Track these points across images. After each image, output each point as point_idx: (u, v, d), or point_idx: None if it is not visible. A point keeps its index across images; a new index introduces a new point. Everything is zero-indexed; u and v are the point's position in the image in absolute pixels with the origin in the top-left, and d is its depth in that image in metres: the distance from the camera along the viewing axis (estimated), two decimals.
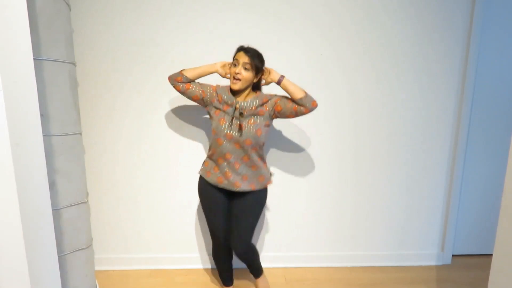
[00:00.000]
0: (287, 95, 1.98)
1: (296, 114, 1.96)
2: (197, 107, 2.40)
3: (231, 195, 2.10)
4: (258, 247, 2.64)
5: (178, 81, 2.01)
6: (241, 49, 1.96)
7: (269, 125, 2.03)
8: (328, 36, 2.37)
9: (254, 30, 2.33)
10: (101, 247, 2.58)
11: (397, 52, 2.41)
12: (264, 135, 1.99)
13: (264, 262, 2.64)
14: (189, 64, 2.30)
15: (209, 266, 2.64)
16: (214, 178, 2.05)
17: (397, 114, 2.49)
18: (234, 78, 1.93)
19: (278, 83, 1.95)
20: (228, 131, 1.94)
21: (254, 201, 2.11)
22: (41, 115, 1.63)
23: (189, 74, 2.01)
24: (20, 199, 1.17)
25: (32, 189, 1.27)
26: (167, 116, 2.42)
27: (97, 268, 2.52)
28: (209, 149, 2.09)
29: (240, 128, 1.93)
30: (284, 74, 1.97)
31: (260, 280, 2.35)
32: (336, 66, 2.41)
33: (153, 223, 2.57)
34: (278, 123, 2.44)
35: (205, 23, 2.32)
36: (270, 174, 2.17)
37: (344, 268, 2.66)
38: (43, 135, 1.62)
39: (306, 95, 1.92)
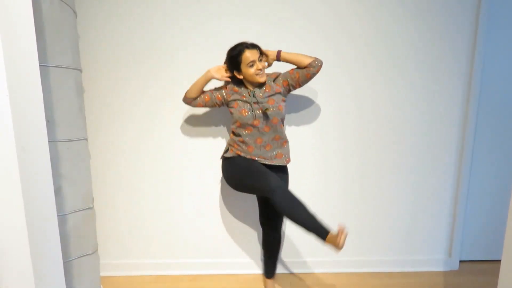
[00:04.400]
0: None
1: (301, 83, 2.07)
2: (202, 112, 2.42)
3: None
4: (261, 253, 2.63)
5: (190, 102, 2.13)
6: (245, 47, 1.98)
7: (285, 100, 2.11)
8: (331, 38, 2.37)
9: (258, 34, 2.33)
10: (106, 253, 2.58)
11: (402, 53, 2.40)
12: (285, 110, 2.08)
13: None
14: (193, 68, 2.33)
15: (215, 272, 2.62)
16: (249, 156, 2.08)
17: (403, 117, 2.48)
18: (257, 74, 1.99)
19: (278, 59, 2.06)
20: (254, 118, 2.00)
21: (286, 175, 2.22)
22: (47, 121, 1.65)
23: (192, 94, 2.10)
24: (25, 204, 1.18)
25: (38, 194, 1.28)
26: (172, 121, 2.43)
27: (102, 274, 2.53)
28: (236, 140, 2.10)
29: (264, 112, 1.99)
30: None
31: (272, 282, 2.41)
32: (340, 68, 2.40)
33: (159, 228, 2.57)
34: None
35: (209, 28, 2.33)
36: None
37: (350, 274, 2.63)
38: (49, 141, 1.64)
39: (315, 58, 2.02)
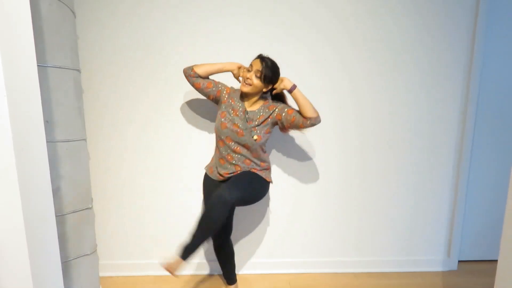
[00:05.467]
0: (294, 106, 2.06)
1: (291, 127, 2.03)
2: (202, 112, 2.42)
3: None
4: (262, 253, 2.63)
5: (191, 76, 2.05)
6: (259, 56, 2.00)
7: (270, 131, 2.07)
8: (332, 40, 2.38)
9: (259, 36, 2.34)
10: (105, 253, 2.58)
11: (402, 55, 2.41)
12: (264, 141, 2.03)
13: (269, 269, 2.64)
14: None
15: (214, 272, 2.63)
16: (215, 174, 2.13)
17: (402, 118, 2.49)
18: (245, 81, 1.98)
19: (290, 91, 1.99)
20: (228, 134, 2.00)
21: (252, 176, 2.05)
22: (46, 122, 1.65)
23: (201, 72, 2.04)
24: (23, 204, 1.18)
25: (36, 194, 1.28)
26: (172, 122, 2.43)
27: (101, 274, 2.52)
28: (215, 147, 2.17)
29: (241, 134, 1.98)
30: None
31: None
32: (340, 70, 2.41)
33: (158, 229, 2.57)
34: None
35: (210, 28, 2.33)
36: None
37: (349, 274, 2.64)
38: (48, 141, 1.64)
39: (318, 116, 1.97)
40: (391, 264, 2.68)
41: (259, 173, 2.08)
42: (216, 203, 1.84)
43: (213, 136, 2.44)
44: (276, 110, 2.02)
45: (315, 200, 2.58)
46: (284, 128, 2.08)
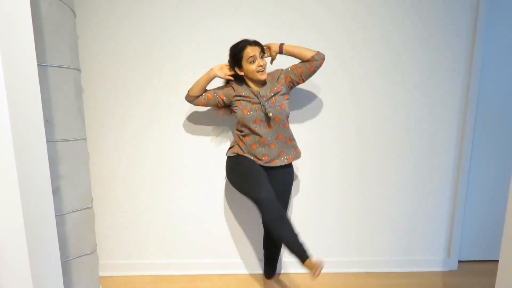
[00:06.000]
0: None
1: (305, 77, 2.06)
2: (202, 112, 2.42)
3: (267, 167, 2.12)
4: (261, 253, 2.63)
5: (192, 100, 2.11)
6: (247, 44, 2.00)
7: (288, 97, 2.10)
8: (332, 40, 2.37)
9: (259, 36, 2.32)
10: (105, 253, 2.58)
11: (402, 55, 2.41)
12: (288, 107, 2.06)
13: None
14: (194, 65, 2.35)
15: (212, 272, 2.63)
16: (252, 155, 2.09)
17: (402, 118, 2.48)
18: (258, 71, 1.98)
19: (281, 51, 2.05)
20: (255, 117, 2.00)
21: (289, 175, 2.19)
22: (46, 121, 1.65)
23: (195, 92, 2.08)
24: (23, 204, 1.18)
25: (36, 194, 1.28)
26: (172, 120, 2.43)
27: (101, 274, 2.53)
28: (240, 137, 2.11)
29: (265, 111, 1.98)
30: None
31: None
32: (340, 70, 2.41)
33: (158, 229, 2.57)
34: None
35: (210, 28, 2.33)
36: None
37: (349, 274, 2.63)
38: (48, 141, 1.64)
39: (318, 52, 2.02)
40: (391, 264, 2.68)
41: (295, 153, 2.15)
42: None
43: (213, 134, 2.45)
44: (281, 75, 2.08)
45: (315, 200, 2.57)
46: (299, 82, 2.09)
